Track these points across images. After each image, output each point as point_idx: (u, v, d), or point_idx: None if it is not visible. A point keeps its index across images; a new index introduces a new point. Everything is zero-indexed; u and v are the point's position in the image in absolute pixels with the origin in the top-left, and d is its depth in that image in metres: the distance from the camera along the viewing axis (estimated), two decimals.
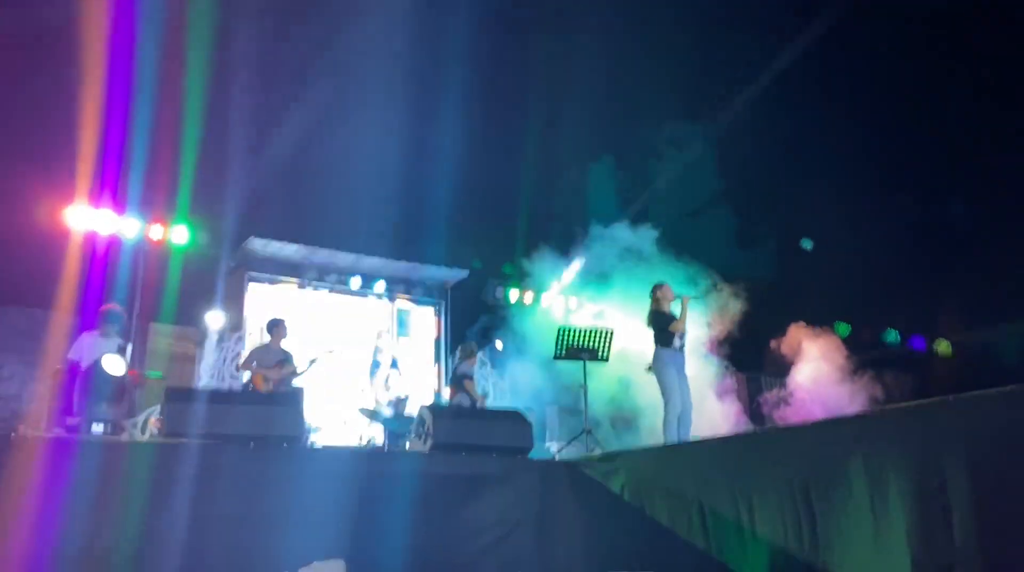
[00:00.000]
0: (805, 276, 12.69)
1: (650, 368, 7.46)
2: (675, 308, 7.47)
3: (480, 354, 12.77)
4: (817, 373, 10.21)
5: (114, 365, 6.99)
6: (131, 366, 7.69)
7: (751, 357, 11.76)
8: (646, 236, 11.09)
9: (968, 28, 11.95)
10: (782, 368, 10.84)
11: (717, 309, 10.12)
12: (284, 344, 8.59)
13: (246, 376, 8.44)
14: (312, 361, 8.69)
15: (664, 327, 7.31)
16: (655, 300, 7.54)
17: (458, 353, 9.88)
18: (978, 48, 12.14)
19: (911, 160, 13.11)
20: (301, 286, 12.31)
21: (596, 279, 11.93)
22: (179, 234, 11.15)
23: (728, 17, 12.51)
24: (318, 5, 11.93)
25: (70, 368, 7.13)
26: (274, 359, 8.34)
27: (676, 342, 7.30)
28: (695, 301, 7.92)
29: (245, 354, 9.67)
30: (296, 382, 8.57)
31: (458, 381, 9.27)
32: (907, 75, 12.74)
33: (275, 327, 8.58)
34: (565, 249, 12.46)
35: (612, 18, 11.98)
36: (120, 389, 7.06)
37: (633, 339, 10.12)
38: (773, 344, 10.85)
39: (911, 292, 13.50)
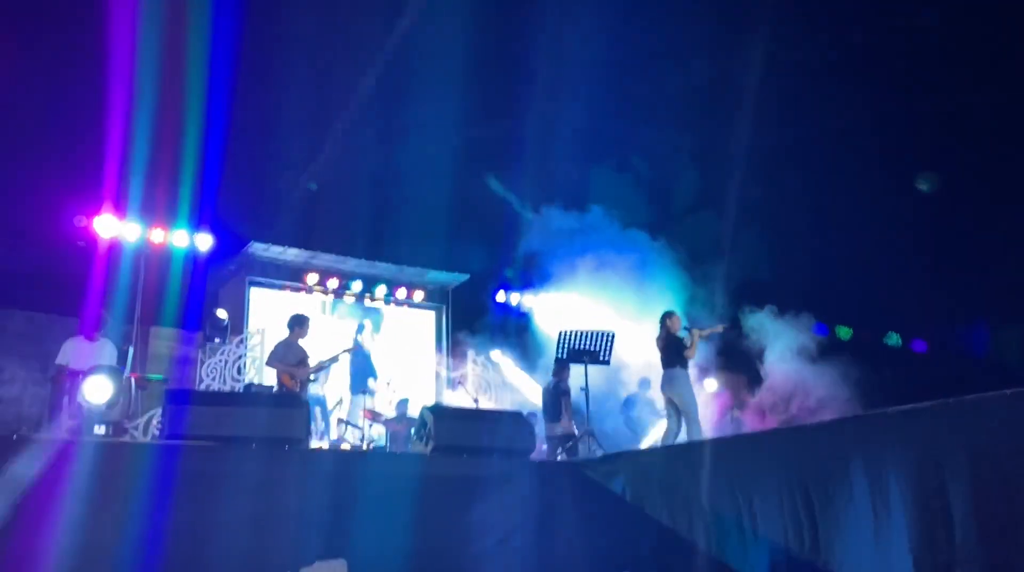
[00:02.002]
0: (804, 277, 12.70)
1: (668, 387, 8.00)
2: (684, 334, 8.11)
3: (481, 357, 12.79)
4: (784, 356, 10.03)
5: (93, 393, 6.69)
6: (132, 369, 7.69)
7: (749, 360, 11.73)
8: (643, 239, 11.14)
9: (969, 26, 11.96)
10: (746, 357, 10.61)
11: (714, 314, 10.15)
12: (302, 343, 8.58)
13: (267, 374, 8.41)
14: (333, 359, 8.76)
15: (680, 352, 8.05)
16: (665, 327, 8.17)
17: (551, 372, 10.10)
18: (979, 47, 12.15)
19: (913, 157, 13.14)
20: (302, 291, 12.32)
21: (594, 280, 11.94)
22: (180, 238, 11.18)
23: (723, 13, 12.53)
24: (316, 8, 11.95)
25: (58, 374, 7.15)
26: (296, 357, 8.29)
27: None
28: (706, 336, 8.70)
29: (262, 351, 9.63)
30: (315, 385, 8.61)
31: (560, 396, 9.50)
32: (908, 74, 12.76)
33: (298, 324, 8.49)
34: (563, 250, 12.47)
35: (611, 17, 11.99)
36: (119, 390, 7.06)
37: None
38: (730, 330, 10.53)
39: (911, 293, 13.51)
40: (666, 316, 8.28)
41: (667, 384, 7.98)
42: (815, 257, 13.54)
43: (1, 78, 9.73)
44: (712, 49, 12.95)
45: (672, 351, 8.07)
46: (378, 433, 10.47)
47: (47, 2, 10.32)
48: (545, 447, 9.21)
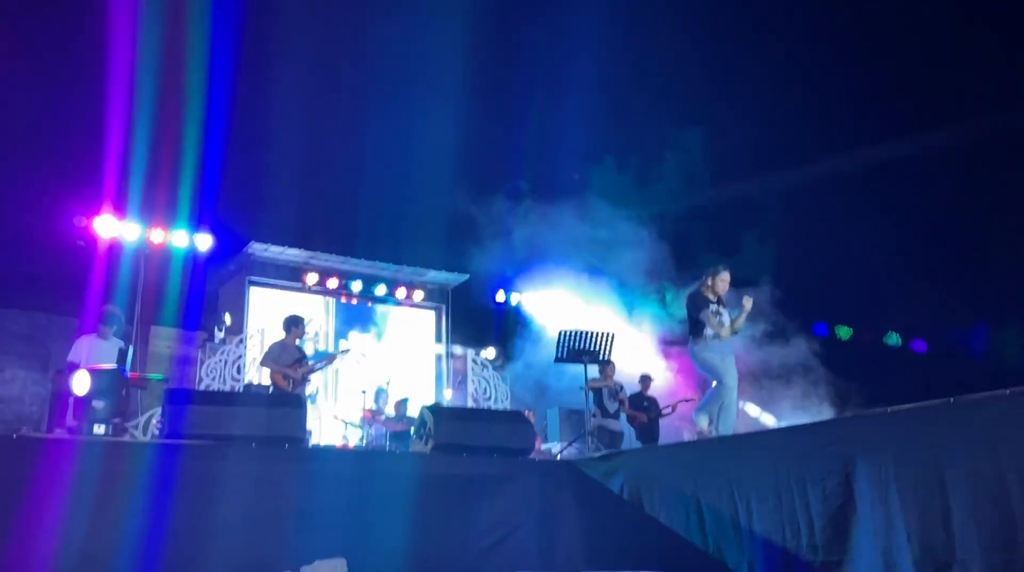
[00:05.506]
0: (804, 276, 12.70)
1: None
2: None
3: (481, 356, 12.80)
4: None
5: (78, 384, 6.46)
6: (132, 369, 7.67)
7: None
8: (643, 237, 11.14)
9: (971, 25, 11.96)
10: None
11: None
12: (299, 343, 8.57)
13: (266, 374, 8.41)
14: (329, 361, 8.80)
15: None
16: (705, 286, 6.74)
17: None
18: (980, 47, 12.16)
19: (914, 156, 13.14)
20: (302, 290, 12.32)
21: (595, 278, 11.94)
22: (180, 238, 11.18)
23: (723, 15, 12.55)
24: (317, 7, 11.95)
25: (70, 371, 7.12)
26: (292, 357, 8.27)
27: (708, 332, 6.58)
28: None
29: (261, 351, 9.63)
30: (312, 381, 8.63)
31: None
32: (910, 73, 12.76)
33: (294, 325, 8.46)
34: (565, 249, 12.47)
35: (612, 16, 12.02)
36: (119, 391, 7.05)
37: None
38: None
39: (911, 293, 13.51)
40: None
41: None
42: (815, 256, 13.55)
43: (1, 78, 9.73)
44: (721, 48, 12.97)
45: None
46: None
47: (48, 2, 10.33)
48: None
